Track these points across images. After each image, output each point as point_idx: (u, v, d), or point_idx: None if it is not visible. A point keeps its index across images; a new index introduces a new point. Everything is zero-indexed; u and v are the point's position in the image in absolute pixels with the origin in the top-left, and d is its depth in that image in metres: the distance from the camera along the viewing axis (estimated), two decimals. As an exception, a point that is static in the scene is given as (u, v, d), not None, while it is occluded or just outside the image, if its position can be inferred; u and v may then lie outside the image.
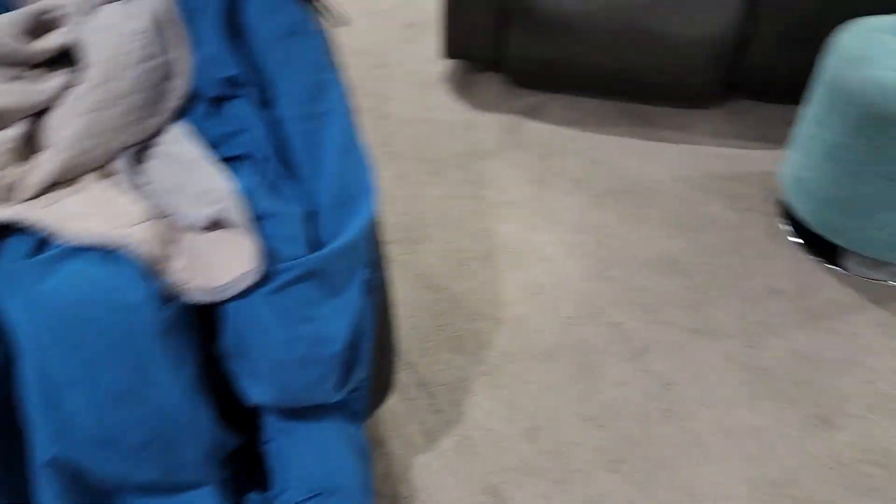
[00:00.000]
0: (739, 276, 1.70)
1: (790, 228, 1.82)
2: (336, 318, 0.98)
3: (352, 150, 1.04)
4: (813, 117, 1.64)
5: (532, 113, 2.17)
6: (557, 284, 1.67)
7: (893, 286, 1.69)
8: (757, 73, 2.07)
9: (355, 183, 1.03)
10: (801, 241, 1.79)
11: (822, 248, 1.76)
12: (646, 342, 1.56)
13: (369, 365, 1.06)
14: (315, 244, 1.00)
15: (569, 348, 1.54)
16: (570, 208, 1.86)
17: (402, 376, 1.47)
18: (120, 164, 1.02)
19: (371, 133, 2.08)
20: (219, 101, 1.07)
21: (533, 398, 1.45)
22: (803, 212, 1.70)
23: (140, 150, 1.04)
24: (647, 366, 1.51)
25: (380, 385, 1.18)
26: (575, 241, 1.78)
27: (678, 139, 2.08)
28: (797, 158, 1.71)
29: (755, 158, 2.01)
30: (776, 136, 2.07)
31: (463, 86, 2.26)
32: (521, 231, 1.80)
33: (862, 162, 1.52)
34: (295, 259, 0.95)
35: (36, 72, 1.10)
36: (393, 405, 1.42)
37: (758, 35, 1.97)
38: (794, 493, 1.31)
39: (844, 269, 1.73)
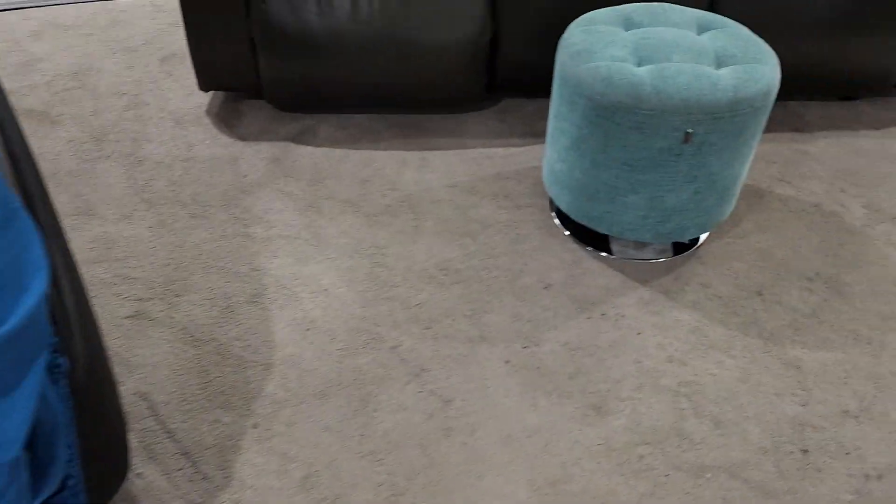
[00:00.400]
0: (514, 276, 1.70)
1: (560, 221, 1.86)
2: (5, 421, 0.85)
3: (8, 223, 0.92)
4: (556, 111, 1.67)
5: (300, 138, 2.09)
6: (332, 316, 1.61)
7: (655, 263, 1.75)
8: (512, 72, 2.10)
9: (16, 260, 0.91)
10: (570, 231, 1.83)
11: (590, 236, 1.81)
12: (425, 361, 1.52)
13: (74, 458, 0.94)
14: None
15: (345, 382, 1.47)
16: (344, 232, 1.81)
17: (162, 447, 1.35)
18: None
19: (125, 181, 1.93)
20: None
21: (308, 444, 1.37)
22: (562, 203, 1.74)
23: None
24: (427, 385, 1.48)
25: (104, 474, 1.06)
26: (350, 267, 1.72)
27: (450, 145, 2.08)
28: (550, 152, 1.74)
29: (524, 155, 2.05)
30: (541, 131, 2.12)
31: (226, 118, 2.15)
32: (293, 265, 1.72)
33: (599, 150, 1.57)
34: (-63, 363, 0.81)
35: None
36: (152, 482, 1.30)
37: (503, 35, 2.01)
38: (572, 488, 1.31)
39: (612, 253, 1.78)
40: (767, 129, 2.16)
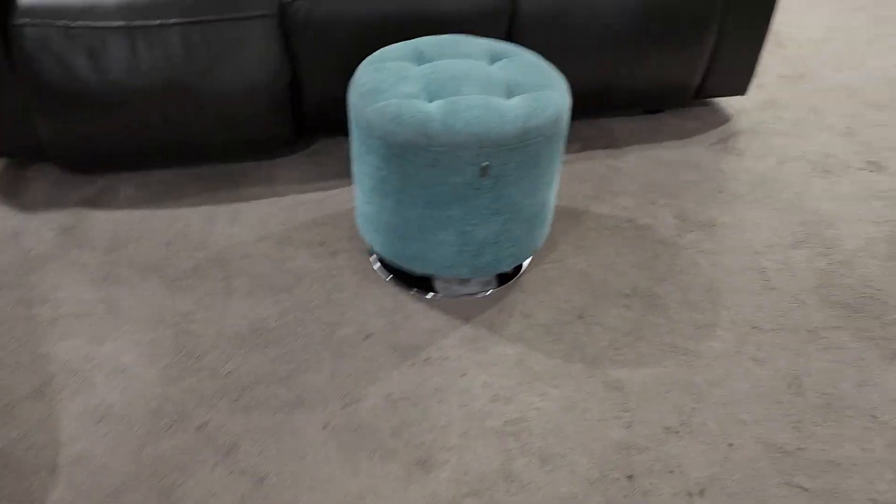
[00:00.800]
0: (332, 329, 1.61)
1: (381, 265, 1.79)
2: None
3: None
4: (356, 153, 1.61)
5: (96, 201, 1.92)
6: (130, 399, 1.45)
7: (480, 297, 1.72)
8: (319, 112, 2.03)
9: None
10: (393, 274, 1.76)
11: (413, 277, 1.75)
12: (235, 437, 1.40)
13: None
14: None
15: (143, 475, 1.33)
16: (145, 303, 1.65)
17: (-82, 589, 1.15)
18: None
19: None
20: None
21: (99, 554, 1.21)
22: (377, 245, 1.67)
23: None
24: (238, 465, 1.35)
25: None
26: (152, 340, 1.57)
27: (262, 194, 1.97)
28: (359, 193, 1.67)
29: (339, 197, 1.97)
30: (358, 170, 2.05)
31: (7, 187, 1.94)
32: (85, 345, 1.55)
33: (400, 190, 1.51)
34: None
35: None
36: None
37: (304, 75, 1.93)
38: (398, 557, 1.23)
39: (437, 292, 1.73)
40: (582, 148, 2.20)
